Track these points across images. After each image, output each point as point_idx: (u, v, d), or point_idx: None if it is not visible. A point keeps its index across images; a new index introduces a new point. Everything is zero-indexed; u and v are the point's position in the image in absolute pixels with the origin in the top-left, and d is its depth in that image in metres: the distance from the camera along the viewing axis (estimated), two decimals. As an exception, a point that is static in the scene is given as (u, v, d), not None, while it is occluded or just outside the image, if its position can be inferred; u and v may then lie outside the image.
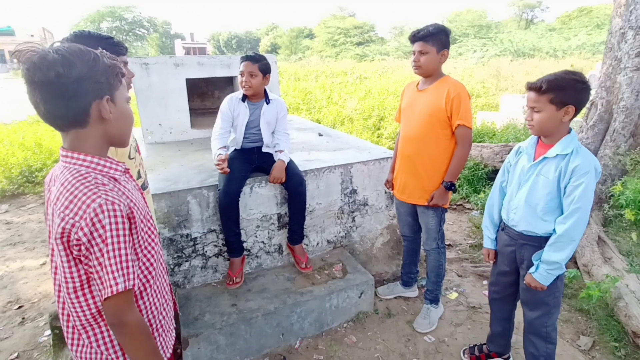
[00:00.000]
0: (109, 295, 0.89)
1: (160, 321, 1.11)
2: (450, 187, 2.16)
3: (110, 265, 0.89)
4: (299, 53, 35.94)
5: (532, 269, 1.65)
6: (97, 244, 0.89)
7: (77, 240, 0.89)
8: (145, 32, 36.80)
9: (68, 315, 1.01)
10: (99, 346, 1.01)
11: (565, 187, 1.53)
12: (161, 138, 3.53)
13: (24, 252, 3.63)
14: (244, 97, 2.40)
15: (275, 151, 2.42)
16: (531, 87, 1.54)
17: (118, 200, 0.92)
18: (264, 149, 2.47)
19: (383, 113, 7.34)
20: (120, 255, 0.90)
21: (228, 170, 2.19)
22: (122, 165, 1.04)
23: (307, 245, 2.70)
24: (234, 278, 2.31)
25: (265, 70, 2.33)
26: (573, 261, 2.98)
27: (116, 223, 0.90)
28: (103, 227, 0.88)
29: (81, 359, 1.03)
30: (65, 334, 1.04)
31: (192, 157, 3.01)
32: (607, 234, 3.21)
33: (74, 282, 0.95)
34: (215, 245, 2.41)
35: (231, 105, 2.38)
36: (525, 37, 23.50)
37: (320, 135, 3.71)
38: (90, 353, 1.02)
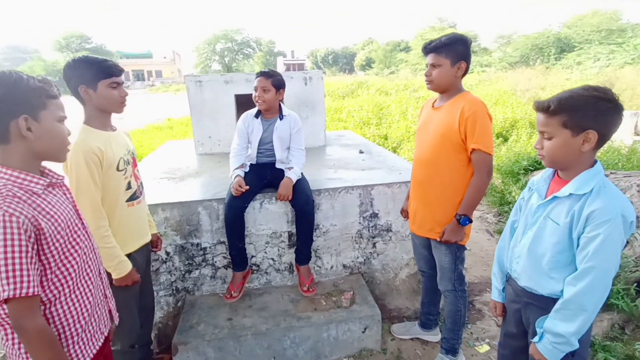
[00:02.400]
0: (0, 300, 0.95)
1: (76, 330, 1.14)
2: (465, 221, 1.85)
3: (0, 272, 0.94)
4: (392, 67, 35.56)
5: (536, 338, 1.30)
6: None
7: None
8: (252, 51, 40.59)
9: None
10: (13, 344, 1.08)
11: (578, 238, 1.18)
12: (210, 149, 3.77)
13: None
14: (258, 113, 2.42)
15: (286, 168, 2.38)
16: (538, 107, 1.23)
17: (19, 212, 0.97)
18: (278, 165, 2.45)
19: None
20: (12, 264, 0.95)
21: (244, 190, 2.21)
22: (45, 180, 1.09)
23: (319, 267, 2.59)
24: (232, 292, 2.32)
25: (279, 85, 2.32)
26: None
27: (11, 233, 0.95)
28: None
29: (5, 350, 1.11)
30: None
31: (227, 168, 3.12)
32: None
33: None
34: (225, 257, 2.45)
35: (246, 122, 2.42)
36: (673, 41, 19.38)
37: (361, 152, 3.57)
38: (10, 347, 1.09)
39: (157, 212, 2.29)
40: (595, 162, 1.22)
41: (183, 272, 2.42)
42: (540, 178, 1.35)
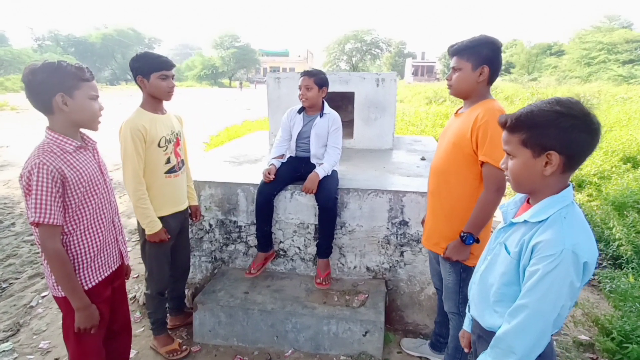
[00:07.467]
0: (30, 222, 1.32)
1: (85, 259, 1.48)
2: (469, 239, 1.68)
3: (31, 202, 1.31)
4: (535, 72, 31.46)
5: (475, 374, 1.16)
6: (30, 188, 1.32)
7: (23, 184, 1.35)
8: (379, 52, 40.94)
9: None
10: (45, 261, 1.47)
11: (524, 271, 1.02)
12: (283, 141, 4.08)
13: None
14: (301, 109, 2.57)
15: (318, 163, 2.48)
16: (498, 121, 1.10)
17: (49, 162, 1.33)
18: (312, 160, 2.57)
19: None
20: (39, 198, 1.31)
21: (271, 179, 2.43)
22: (77, 143, 1.45)
23: (342, 265, 2.63)
24: (252, 269, 2.54)
25: (321, 83, 2.44)
26: None
27: (41, 176, 1.31)
28: (33, 176, 1.31)
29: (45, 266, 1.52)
30: None
31: (285, 159, 3.38)
32: None
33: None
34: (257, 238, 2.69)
35: (289, 116, 2.60)
36: None
37: (422, 159, 3.42)
38: (44, 262, 1.49)
39: (205, 188, 2.65)
40: (566, 187, 1.02)
41: (221, 244, 2.75)
42: (511, 200, 1.18)
